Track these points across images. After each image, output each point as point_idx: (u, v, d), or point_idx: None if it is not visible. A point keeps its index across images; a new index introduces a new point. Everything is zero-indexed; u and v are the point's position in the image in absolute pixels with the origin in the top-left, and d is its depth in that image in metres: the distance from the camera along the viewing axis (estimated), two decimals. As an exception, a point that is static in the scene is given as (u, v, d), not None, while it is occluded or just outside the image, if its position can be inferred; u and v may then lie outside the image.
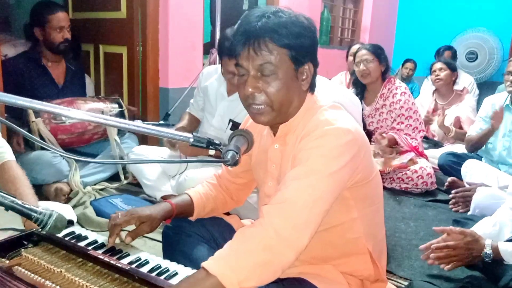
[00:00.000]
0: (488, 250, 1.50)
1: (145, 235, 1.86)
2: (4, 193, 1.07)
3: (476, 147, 2.93)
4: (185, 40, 3.28)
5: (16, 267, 1.05)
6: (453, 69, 3.83)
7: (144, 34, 3.17)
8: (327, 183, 1.00)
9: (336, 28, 5.72)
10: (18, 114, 2.51)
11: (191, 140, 1.01)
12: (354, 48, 4.26)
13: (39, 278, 1.01)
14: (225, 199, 1.41)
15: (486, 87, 5.35)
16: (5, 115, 2.44)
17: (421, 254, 1.98)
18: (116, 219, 1.21)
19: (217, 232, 1.35)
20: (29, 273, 1.03)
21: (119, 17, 3.22)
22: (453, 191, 2.42)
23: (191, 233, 1.33)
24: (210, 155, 1.08)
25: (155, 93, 3.32)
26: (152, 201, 2.48)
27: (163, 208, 1.29)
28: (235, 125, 2.30)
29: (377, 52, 3.03)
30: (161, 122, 3.06)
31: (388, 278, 1.33)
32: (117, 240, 1.21)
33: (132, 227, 1.25)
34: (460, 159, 2.95)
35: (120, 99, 2.85)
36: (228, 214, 1.48)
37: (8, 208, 1.06)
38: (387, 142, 2.98)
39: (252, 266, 0.92)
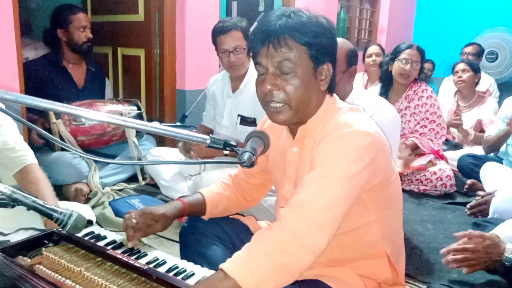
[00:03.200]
0: (509, 255, 1.47)
1: (163, 235, 1.89)
2: (26, 193, 1.09)
3: (493, 148, 2.87)
4: (201, 42, 3.30)
5: (37, 265, 1.08)
6: (476, 70, 3.76)
7: (161, 36, 3.20)
8: (345, 187, 1.00)
9: (353, 29, 5.68)
10: (38, 113, 2.57)
11: (208, 141, 1.02)
12: (371, 49, 4.24)
13: (60, 276, 1.03)
14: (238, 199, 1.42)
15: (507, 87, 5.24)
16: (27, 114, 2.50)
17: (440, 258, 1.94)
18: (131, 219, 1.23)
19: (233, 233, 1.36)
20: (49, 271, 1.05)
21: (137, 20, 3.26)
22: (468, 205, 2.37)
23: (208, 234, 1.33)
24: (226, 155, 1.09)
25: (172, 95, 3.35)
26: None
27: (175, 206, 1.31)
28: (243, 119, 2.35)
29: (423, 55, 2.95)
30: (178, 123, 3.08)
31: (406, 282, 1.32)
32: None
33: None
34: (480, 161, 2.89)
35: (138, 102, 2.89)
36: (243, 215, 1.48)
37: (29, 208, 1.09)
38: (408, 153, 2.90)
39: (269, 268, 0.92)
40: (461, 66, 3.76)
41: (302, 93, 1.07)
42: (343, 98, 1.89)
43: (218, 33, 2.22)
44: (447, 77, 4.66)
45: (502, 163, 2.82)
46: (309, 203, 0.98)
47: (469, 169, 2.97)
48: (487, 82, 4.63)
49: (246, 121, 2.35)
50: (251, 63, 2.34)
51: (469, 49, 4.68)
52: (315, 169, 1.03)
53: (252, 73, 2.32)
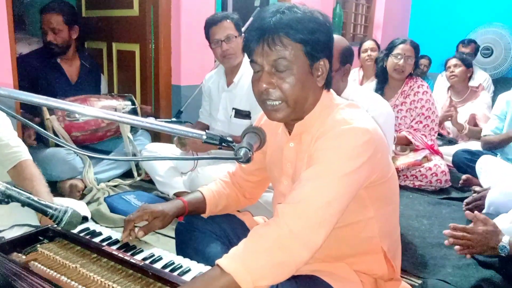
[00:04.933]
0: (505, 244, 1.48)
1: (159, 231, 1.89)
2: (21, 190, 1.09)
3: (493, 149, 2.88)
4: (197, 37, 3.27)
5: (32, 262, 1.07)
6: (468, 65, 3.77)
7: (156, 31, 3.18)
8: (343, 184, 0.99)
9: (349, 24, 5.67)
10: (32, 109, 2.55)
11: (204, 137, 1.01)
12: (366, 44, 4.24)
13: (55, 273, 1.03)
14: (238, 197, 1.42)
15: (502, 83, 5.27)
16: (20, 110, 2.47)
17: (434, 253, 1.96)
18: (130, 217, 1.24)
19: (229, 229, 1.36)
20: (45, 268, 1.05)
21: (131, 15, 3.24)
22: (464, 202, 2.38)
23: (204, 230, 1.33)
24: (220, 148, 1.08)
25: (168, 91, 3.33)
26: (165, 198, 2.50)
27: (176, 205, 1.31)
28: (238, 112, 2.36)
29: (417, 50, 2.95)
30: (173, 119, 3.08)
31: (401, 276, 1.32)
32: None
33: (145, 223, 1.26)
34: (475, 156, 2.90)
35: (133, 97, 2.87)
36: (239, 211, 1.48)
37: (24, 204, 1.08)
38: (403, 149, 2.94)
39: (266, 265, 0.92)
40: (453, 61, 3.78)
41: (299, 90, 1.06)
42: (336, 93, 1.87)
43: (209, 25, 2.26)
44: (440, 74, 4.68)
45: (496, 157, 2.83)
46: (307, 201, 0.98)
47: (464, 165, 2.98)
48: (482, 77, 4.65)
49: (240, 114, 2.36)
50: (245, 57, 2.34)
51: (466, 49, 4.69)
52: (313, 166, 1.03)
53: (246, 67, 2.32)
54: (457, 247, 1.51)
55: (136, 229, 1.23)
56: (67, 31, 2.74)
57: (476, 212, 1.57)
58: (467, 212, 1.60)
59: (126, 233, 1.21)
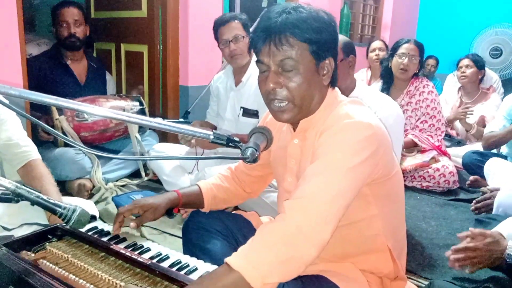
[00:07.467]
0: (511, 252, 1.46)
1: (166, 231, 1.90)
2: (30, 189, 1.10)
3: (495, 146, 2.86)
4: (204, 38, 3.29)
5: (41, 260, 1.09)
6: (480, 67, 3.74)
7: (164, 33, 3.20)
8: (347, 178, 0.99)
9: (356, 25, 5.66)
10: (41, 110, 2.57)
11: (211, 137, 1.02)
12: (374, 44, 4.23)
13: (63, 271, 1.04)
14: (237, 191, 1.43)
15: (511, 84, 5.22)
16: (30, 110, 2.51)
17: (442, 254, 1.95)
18: (120, 209, 1.27)
19: (236, 228, 1.36)
20: (53, 266, 1.06)
21: (140, 16, 3.27)
22: (474, 201, 2.36)
23: (210, 229, 1.34)
24: (228, 145, 1.09)
25: (175, 91, 3.35)
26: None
27: (168, 196, 1.34)
28: (246, 111, 2.37)
29: (422, 50, 2.96)
30: (181, 119, 3.09)
31: (408, 277, 1.32)
32: (136, 233, 1.25)
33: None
34: (485, 157, 2.87)
35: (141, 97, 2.89)
36: (245, 211, 1.49)
37: (34, 203, 1.09)
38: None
39: (274, 261, 0.92)
40: (465, 61, 3.75)
41: (305, 89, 1.07)
42: (345, 92, 1.86)
43: (218, 25, 2.29)
44: (451, 73, 4.65)
45: (507, 160, 2.80)
46: (313, 196, 0.98)
47: (474, 166, 2.94)
48: (491, 79, 4.61)
49: (248, 113, 2.38)
50: (254, 56, 2.36)
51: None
52: (318, 161, 1.03)
53: (254, 67, 2.33)
54: (467, 269, 1.48)
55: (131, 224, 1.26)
56: (85, 26, 2.78)
57: (470, 228, 1.54)
58: (460, 235, 1.56)
59: (116, 225, 1.24)
